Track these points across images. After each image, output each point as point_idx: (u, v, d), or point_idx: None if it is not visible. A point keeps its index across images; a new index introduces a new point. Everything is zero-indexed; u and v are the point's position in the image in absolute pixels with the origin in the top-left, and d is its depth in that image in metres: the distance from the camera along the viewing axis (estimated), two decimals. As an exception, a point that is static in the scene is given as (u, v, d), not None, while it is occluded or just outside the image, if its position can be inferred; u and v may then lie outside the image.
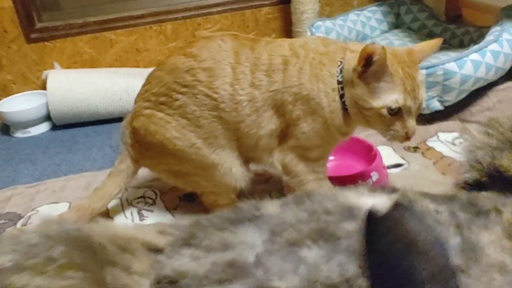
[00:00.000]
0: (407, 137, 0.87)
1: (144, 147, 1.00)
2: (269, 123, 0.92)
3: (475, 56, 1.34)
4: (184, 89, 0.93)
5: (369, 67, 0.83)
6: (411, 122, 0.86)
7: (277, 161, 0.95)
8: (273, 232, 0.60)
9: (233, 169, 0.97)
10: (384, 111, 0.84)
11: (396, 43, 1.86)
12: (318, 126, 0.90)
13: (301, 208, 0.63)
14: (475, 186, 0.78)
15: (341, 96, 0.88)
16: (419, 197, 0.63)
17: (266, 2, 2.03)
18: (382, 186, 0.69)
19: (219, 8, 1.99)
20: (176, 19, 1.95)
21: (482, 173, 0.77)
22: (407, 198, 0.62)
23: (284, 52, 0.92)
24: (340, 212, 0.61)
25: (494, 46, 1.38)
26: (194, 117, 0.93)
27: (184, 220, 0.70)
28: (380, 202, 0.60)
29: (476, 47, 1.38)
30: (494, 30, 1.47)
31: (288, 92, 0.90)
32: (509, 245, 0.58)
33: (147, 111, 0.97)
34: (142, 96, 0.99)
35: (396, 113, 0.84)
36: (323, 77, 0.89)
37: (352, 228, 0.58)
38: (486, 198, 0.67)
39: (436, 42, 0.92)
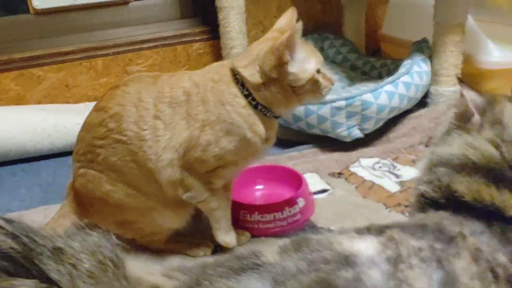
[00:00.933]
0: (332, 84, 0.96)
1: (89, 204, 1.01)
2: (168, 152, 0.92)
3: (389, 87, 1.45)
4: (102, 142, 0.94)
5: (289, 54, 0.89)
6: (328, 71, 0.96)
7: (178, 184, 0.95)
8: (276, 282, 0.61)
9: (168, 211, 0.99)
10: (317, 75, 0.92)
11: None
12: (234, 144, 0.92)
13: (300, 257, 0.64)
14: (431, 201, 0.80)
15: (255, 106, 0.93)
16: (403, 237, 0.66)
17: (197, 38, 2.08)
18: (367, 227, 0.71)
19: (150, 44, 2.02)
20: (107, 54, 1.96)
21: (440, 194, 0.79)
22: (394, 241, 0.65)
23: (183, 84, 0.94)
24: (337, 261, 0.63)
25: (405, 78, 1.50)
26: (117, 167, 0.95)
27: (189, 263, 0.70)
28: (371, 247, 0.64)
29: (389, 79, 1.49)
30: (406, 63, 1.60)
31: (194, 119, 0.91)
32: (476, 270, 0.62)
33: (82, 171, 0.98)
34: (75, 157, 1.01)
35: (318, 71, 0.93)
36: (228, 100, 0.92)
37: (350, 276, 0.60)
38: (448, 221, 0.71)
39: (290, 12, 0.98)
